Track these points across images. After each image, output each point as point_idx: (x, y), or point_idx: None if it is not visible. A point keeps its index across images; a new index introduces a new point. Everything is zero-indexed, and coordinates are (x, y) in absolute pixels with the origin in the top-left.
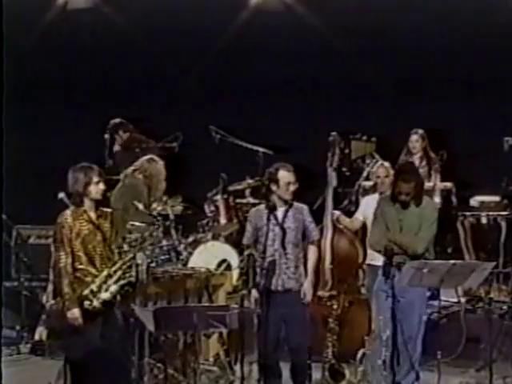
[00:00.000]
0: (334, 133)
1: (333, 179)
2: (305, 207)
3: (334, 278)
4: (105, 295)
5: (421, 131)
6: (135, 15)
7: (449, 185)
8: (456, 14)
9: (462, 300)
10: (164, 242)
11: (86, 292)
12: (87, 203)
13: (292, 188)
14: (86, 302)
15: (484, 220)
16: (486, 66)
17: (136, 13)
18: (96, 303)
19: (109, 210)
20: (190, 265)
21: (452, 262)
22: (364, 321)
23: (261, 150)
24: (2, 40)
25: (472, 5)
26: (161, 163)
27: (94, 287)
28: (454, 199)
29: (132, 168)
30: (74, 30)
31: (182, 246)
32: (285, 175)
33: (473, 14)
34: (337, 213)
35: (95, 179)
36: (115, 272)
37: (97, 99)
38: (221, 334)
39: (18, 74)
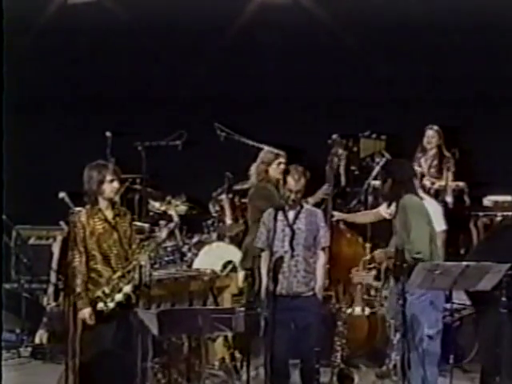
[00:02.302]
0: (334, 135)
1: (331, 180)
2: (319, 211)
3: (330, 278)
4: (118, 296)
5: (436, 127)
6: (138, 9)
7: (461, 184)
8: (471, 12)
9: None
10: (168, 243)
11: (99, 294)
12: (102, 202)
13: (293, 196)
14: (100, 304)
15: (498, 220)
16: (500, 64)
17: (138, 6)
18: (111, 304)
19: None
20: (195, 266)
21: (465, 263)
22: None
23: (267, 148)
24: (2, 39)
25: (487, 3)
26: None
27: (106, 289)
28: (466, 199)
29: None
30: (74, 24)
31: (187, 247)
32: (290, 183)
33: (488, 11)
34: (336, 214)
35: (109, 177)
36: (129, 273)
37: (98, 96)
38: (226, 337)
39: (16, 71)
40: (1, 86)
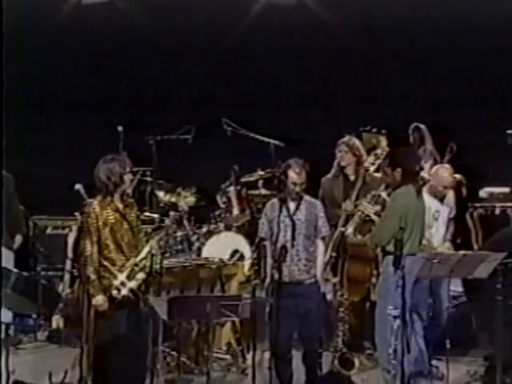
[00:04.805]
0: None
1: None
2: (318, 202)
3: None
4: (131, 283)
5: (420, 126)
6: (150, 9)
7: (459, 176)
8: (467, 14)
9: None
10: (177, 233)
11: (116, 283)
12: (116, 194)
13: (297, 189)
14: (114, 291)
15: (493, 211)
16: (494, 60)
17: (150, 6)
18: (124, 291)
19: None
20: (204, 255)
21: (462, 252)
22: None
23: (272, 142)
24: (2, 38)
25: (481, 5)
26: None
27: (121, 276)
28: (464, 191)
29: None
30: (87, 24)
31: (195, 237)
32: (292, 176)
33: (481, 13)
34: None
35: (128, 169)
36: (141, 261)
37: (112, 93)
38: (234, 322)
39: (29, 70)
40: (1, 85)
